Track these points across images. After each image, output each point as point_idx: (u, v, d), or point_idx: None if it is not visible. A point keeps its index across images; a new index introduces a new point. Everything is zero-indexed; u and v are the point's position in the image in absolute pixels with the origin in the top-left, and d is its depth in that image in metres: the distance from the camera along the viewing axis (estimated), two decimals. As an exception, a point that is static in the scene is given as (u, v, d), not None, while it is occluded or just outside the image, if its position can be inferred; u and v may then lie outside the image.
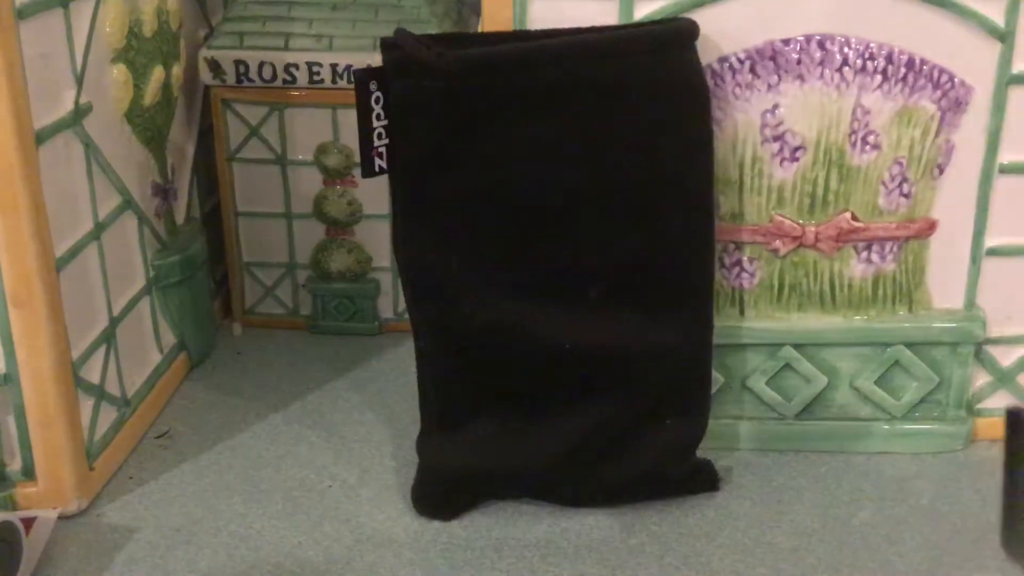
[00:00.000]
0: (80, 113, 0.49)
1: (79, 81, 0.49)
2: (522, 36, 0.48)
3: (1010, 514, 0.41)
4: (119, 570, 0.47)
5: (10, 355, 0.47)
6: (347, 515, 0.50)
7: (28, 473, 0.49)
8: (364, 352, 0.66)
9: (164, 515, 0.50)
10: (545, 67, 0.45)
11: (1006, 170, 0.51)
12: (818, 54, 0.49)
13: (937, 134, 0.51)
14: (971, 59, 0.49)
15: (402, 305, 0.68)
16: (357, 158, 0.64)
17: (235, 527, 0.49)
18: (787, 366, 0.54)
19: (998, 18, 0.48)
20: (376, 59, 0.47)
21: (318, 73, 0.62)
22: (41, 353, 0.47)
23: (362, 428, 0.58)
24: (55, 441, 0.48)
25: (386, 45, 0.46)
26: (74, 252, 0.49)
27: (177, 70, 0.59)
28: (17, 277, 0.45)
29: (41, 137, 0.45)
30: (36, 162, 0.45)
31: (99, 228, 0.52)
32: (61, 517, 0.49)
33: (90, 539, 0.49)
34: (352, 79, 0.60)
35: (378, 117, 0.46)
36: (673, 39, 0.47)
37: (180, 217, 0.62)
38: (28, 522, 0.47)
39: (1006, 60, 0.49)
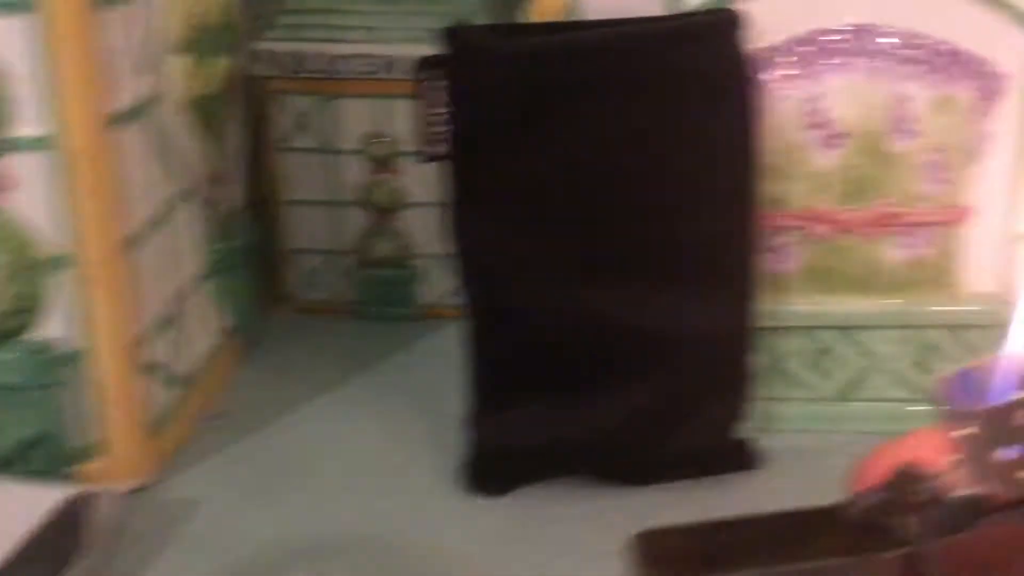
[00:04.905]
0: (148, 101, 0.51)
1: (147, 70, 0.51)
2: (575, 26, 0.50)
3: None
4: (184, 542, 0.48)
5: (82, 333, 0.49)
6: (400, 492, 0.52)
7: (95, 448, 0.51)
8: (407, 336, 0.68)
9: (225, 489, 0.52)
10: (598, 56, 0.47)
11: (1043, 157, 0.53)
12: (860, 44, 0.51)
13: (974, 122, 0.52)
14: (1008, 48, 0.51)
15: (443, 291, 0.69)
16: (404, 148, 0.66)
17: (294, 501, 0.51)
18: (826, 348, 0.56)
19: (1036, 8, 0.50)
20: (425, 50, 0.48)
21: (369, 64, 0.64)
22: (112, 331, 0.49)
23: (409, 409, 0.60)
24: (122, 417, 0.50)
25: (449, 34, 0.47)
26: (141, 235, 0.51)
27: (234, 61, 0.61)
28: (92, 257, 0.47)
29: (113, 123, 0.47)
30: (109, 147, 0.47)
31: (163, 212, 0.54)
32: (127, 491, 0.51)
33: (155, 512, 0.50)
34: (403, 70, 0.63)
35: (438, 104, 0.48)
36: (719, 28, 0.49)
37: (233, 205, 0.64)
38: (96, 496, 0.49)
39: (1044, 49, 0.50)
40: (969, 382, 0.21)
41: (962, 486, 0.20)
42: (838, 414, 0.57)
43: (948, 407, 0.20)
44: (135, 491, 0.51)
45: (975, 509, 0.20)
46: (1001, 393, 0.20)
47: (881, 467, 0.21)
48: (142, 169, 0.52)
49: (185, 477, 0.53)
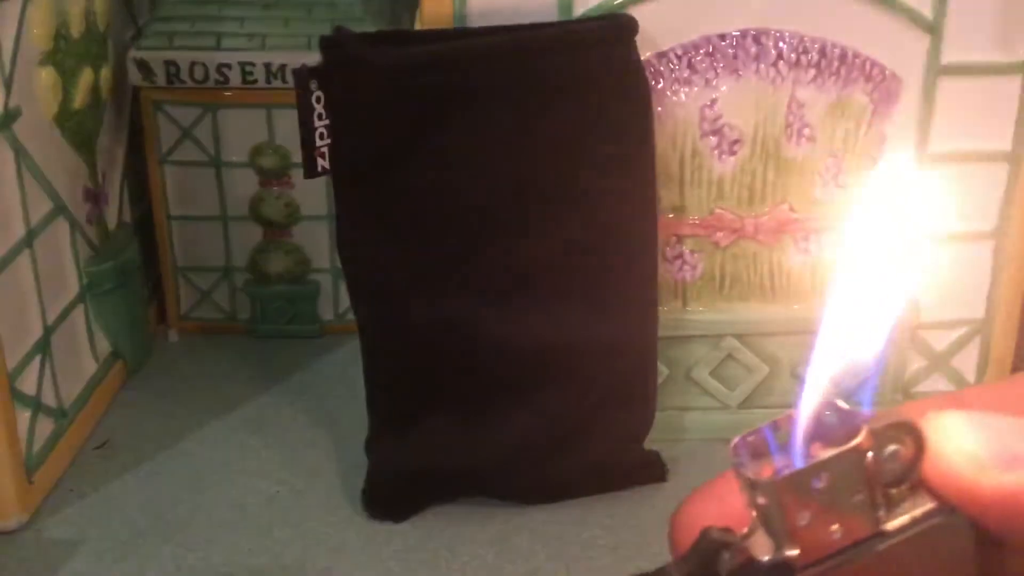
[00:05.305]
0: (9, 117, 0.48)
1: (7, 85, 0.47)
2: (462, 33, 0.48)
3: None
4: (63, 586, 0.45)
5: (-58, 368, 0.45)
6: (297, 520, 0.50)
7: (-38, 490, 0.47)
8: (305, 355, 0.65)
9: (107, 527, 0.49)
10: (487, 64, 0.45)
11: (936, 160, 0.53)
12: (753, 49, 0.50)
13: (870, 126, 0.52)
14: (901, 51, 0.50)
15: (343, 306, 0.67)
16: (294, 159, 0.63)
17: (182, 537, 0.48)
18: (730, 356, 0.55)
19: (927, 11, 0.50)
20: (310, 57, 0.46)
21: (251, 73, 0.61)
22: (-25, 365, 0.45)
23: (307, 432, 0.57)
24: (-9, 455, 0.47)
25: (327, 43, 0.45)
26: (6, 260, 0.48)
27: (106, 72, 0.58)
28: (-52, 288, 0.44)
29: (-32, 143, 0.44)
30: (-36, 169, 0.43)
31: (31, 235, 0.50)
32: (0, 533, 0.48)
33: (31, 555, 0.47)
34: (288, 78, 0.60)
35: (319, 116, 0.45)
36: (613, 34, 0.47)
37: (112, 223, 0.61)
38: (-35, 541, 0.46)
39: (935, 51, 0.50)
40: (758, 445, 0.20)
41: (765, 551, 0.19)
42: (742, 421, 0.56)
43: (738, 475, 0.19)
44: (7, 533, 0.48)
45: (782, 572, 0.19)
46: (792, 456, 0.19)
47: (691, 527, 0.20)
48: (5, 189, 0.48)
49: (64, 515, 0.50)
